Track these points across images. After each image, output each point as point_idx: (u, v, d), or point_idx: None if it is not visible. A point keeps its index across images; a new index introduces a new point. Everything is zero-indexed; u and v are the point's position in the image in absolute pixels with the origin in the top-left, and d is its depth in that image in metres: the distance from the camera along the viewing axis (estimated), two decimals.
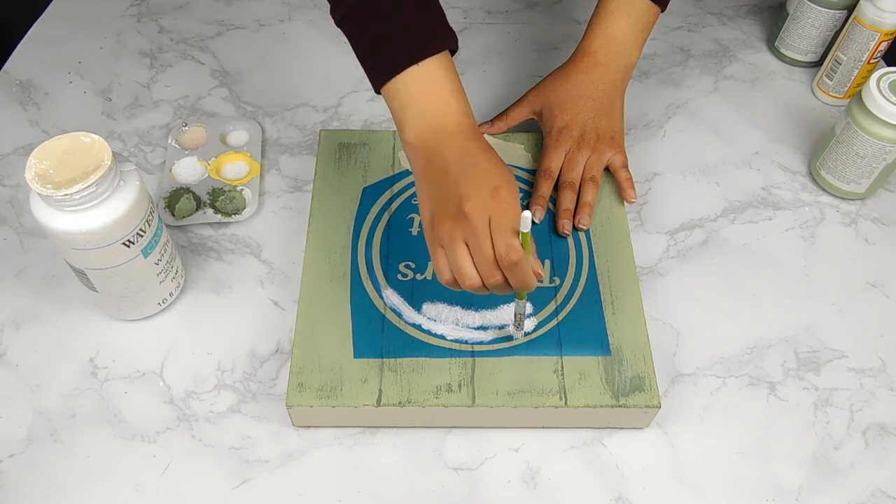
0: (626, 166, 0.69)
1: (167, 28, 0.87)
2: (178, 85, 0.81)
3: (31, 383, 0.60)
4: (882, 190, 0.75)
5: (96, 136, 0.53)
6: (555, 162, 0.68)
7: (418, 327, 0.59)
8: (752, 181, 0.75)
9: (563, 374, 0.57)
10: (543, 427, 0.59)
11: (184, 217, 0.69)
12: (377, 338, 0.59)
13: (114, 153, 0.53)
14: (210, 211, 0.70)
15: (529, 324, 0.60)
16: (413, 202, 0.67)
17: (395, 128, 0.77)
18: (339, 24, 0.56)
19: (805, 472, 0.58)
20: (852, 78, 0.78)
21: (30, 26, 0.86)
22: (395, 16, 0.53)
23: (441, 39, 0.54)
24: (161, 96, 0.80)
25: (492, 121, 0.73)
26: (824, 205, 0.74)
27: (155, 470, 0.56)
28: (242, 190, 0.71)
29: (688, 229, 0.71)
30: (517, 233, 0.49)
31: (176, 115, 0.78)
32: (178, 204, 0.70)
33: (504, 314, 0.60)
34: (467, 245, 0.50)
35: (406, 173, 0.69)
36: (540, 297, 0.61)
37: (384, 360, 0.58)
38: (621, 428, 0.59)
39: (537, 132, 0.73)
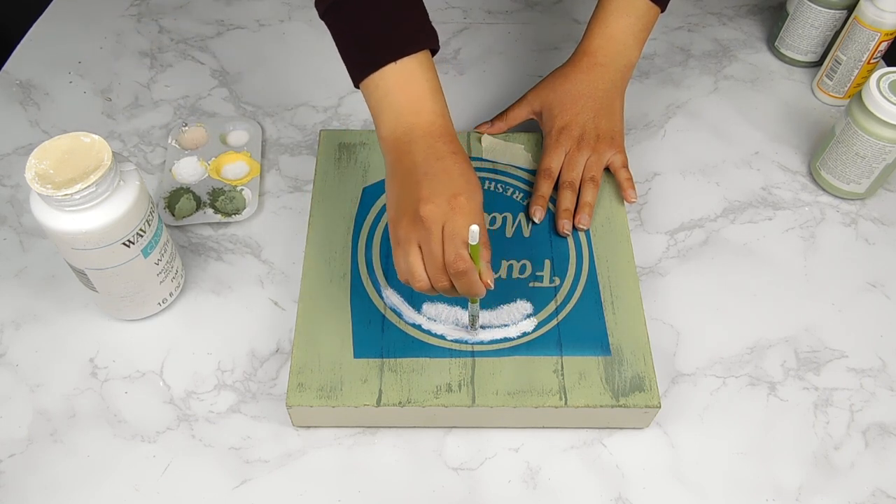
0: (626, 166, 0.69)
1: (167, 28, 0.87)
2: (178, 85, 0.81)
3: (31, 383, 0.60)
4: (882, 190, 0.75)
5: (96, 136, 0.53)
6: (555, 162, 0.68)
7: (418, 327, 0.60)
8: (752, 181, 0.75)
9: (563, 374, 0.57)
10: (543, 427, 0.59)
11: (184, 217, 0.69)
12: (377, 338, 0.59)
13: (114, 153, 0.53)
14: (210, 211, 0.70)
15: (529, 324, 0.60)
16: None
17: None
18: (322, 16, 0.56)
19: (805, 472, 0.58)
20: (852, 78, 0.78)
21: (30, 26, 0.86)
22: (377, 12, 0.54)
23: (422, 39, 0.55)
24: (161, 96, 0.80)
25: (492, 121, 0.73)
26: (824, 205, 0.74)
27: (155, 470, 0.56)
28: (242, 190, 0.71)
29: (688, 229, 0.71)
30: (467, 243, 0.49)
31: (176, 115, 0.78)
32: (178, 204, 0.70)
33: (504, 314, 0.60)
34: (420, 247, 0.51)
35: None
36: (540, 297, 0.61)
37: (384, 360, 0.58)
38: (621, 428, 0.59)
39: (537, 132, 0.73)
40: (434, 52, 0.56)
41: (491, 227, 0.66)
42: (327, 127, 0.78)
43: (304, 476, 0.56)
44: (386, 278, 0.62)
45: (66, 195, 0.50)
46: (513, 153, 0.71)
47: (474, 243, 0.49)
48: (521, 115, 0.72)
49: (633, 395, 0.56)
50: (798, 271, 0.69)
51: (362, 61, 0.55)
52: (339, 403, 0.56)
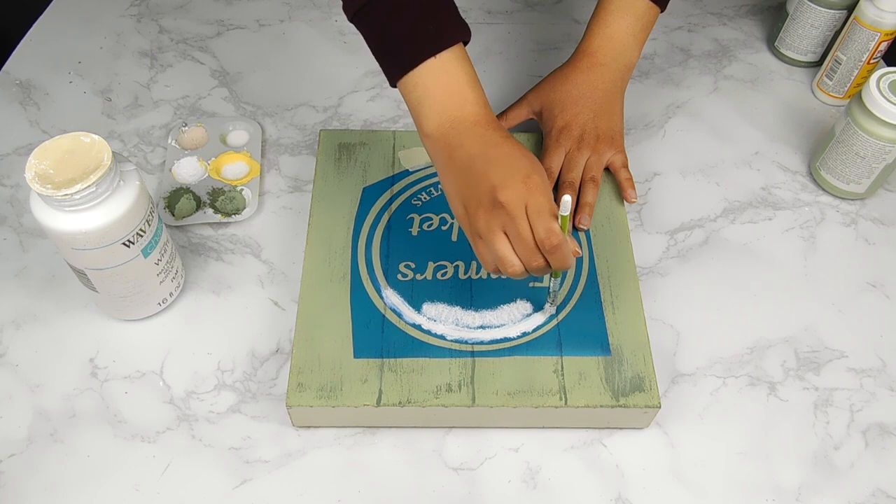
0: (626, 166, 0.69)
1: (167, 28, 0.87)
2: (178, 85, 0.81)
3: (31, 383, 0.60)
4: (882, 190, 0.75)
5: (96, 136, 0.53)
6: (555, 162, 0.68)
7: (418, 327, 0.59)
8: (752, 181, 0.75)
9: (563, 374, 0.57)
10: (543, 427, 0.59)
11: (184, 217, 0.69)
12: (377, 338, 0.59)
13: (114, 153, 0.53)
14: (210, 211, 0.70)
15: (528, 324, 0.60)
16: (413, 202, 0.67)
17: (394, 127, 0.78)
18: (351, 19, 0.56)
19: (805, 472, 0.58)
20: (852, 78, 0.78)
21: (30, 26, 0.86)
22: (407, 10, 0.54)
23: (454, 32, 0.55)
24: (161, 96, 0.80)
25: None
26: (824, 205, 0.74)
27: (155, 470, 0.56)
28: (242, 190, 0.71)
29: (688, 229, 0.71)
30: (555, 216, 0.50)
31: (176, 115, 0.78)
32: (178, 204, 0.70)
33: (504, 314, 0.60)
34: (506, 233, 0.51)
35: (406, 173, 0.69)
36: (540, 297, 0.61)
37: (384, 360, 0.58)
38: (621, 428, 0.59)
39: (537, 132, 0.73)
40: (466, 43, 0.56)
41: None
42: (327, 127, 0.78)
43: (303, 476, 0.56)
44: (386, 278, 0.62)
45: (66, 195, 0.50)
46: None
47: (566, 214, 0.50)
48: (520, 115, 0.72)
49: (633, 395, 0.56)
50: (798, 271, 0.69)
51: (398, 61, 0.54)
52: (339, 403, 0.56)
